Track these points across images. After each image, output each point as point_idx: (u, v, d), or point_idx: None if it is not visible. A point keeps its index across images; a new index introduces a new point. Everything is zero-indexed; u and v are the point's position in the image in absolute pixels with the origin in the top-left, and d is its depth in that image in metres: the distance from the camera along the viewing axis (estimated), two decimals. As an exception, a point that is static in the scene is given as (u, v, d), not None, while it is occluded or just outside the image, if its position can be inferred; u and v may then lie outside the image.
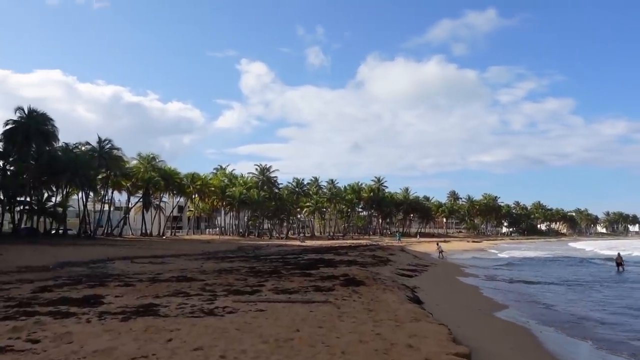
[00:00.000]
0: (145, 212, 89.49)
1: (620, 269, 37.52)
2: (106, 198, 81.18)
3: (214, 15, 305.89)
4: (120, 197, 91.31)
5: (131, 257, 34.14)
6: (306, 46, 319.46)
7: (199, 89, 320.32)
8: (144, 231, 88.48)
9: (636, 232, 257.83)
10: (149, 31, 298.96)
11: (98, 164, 72.55)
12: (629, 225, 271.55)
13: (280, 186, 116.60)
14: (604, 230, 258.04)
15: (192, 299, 12.39)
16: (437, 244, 65.35)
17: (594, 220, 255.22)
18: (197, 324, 8.86)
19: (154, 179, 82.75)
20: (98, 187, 77.75)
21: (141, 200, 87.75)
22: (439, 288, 19.57)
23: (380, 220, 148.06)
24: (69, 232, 70.86)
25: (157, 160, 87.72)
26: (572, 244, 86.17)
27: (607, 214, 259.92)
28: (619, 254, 41.32)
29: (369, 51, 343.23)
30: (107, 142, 74.17)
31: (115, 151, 75.11)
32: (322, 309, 10.53)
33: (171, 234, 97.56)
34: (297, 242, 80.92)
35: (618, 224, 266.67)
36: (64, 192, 71.98)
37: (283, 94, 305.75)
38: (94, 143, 73.50)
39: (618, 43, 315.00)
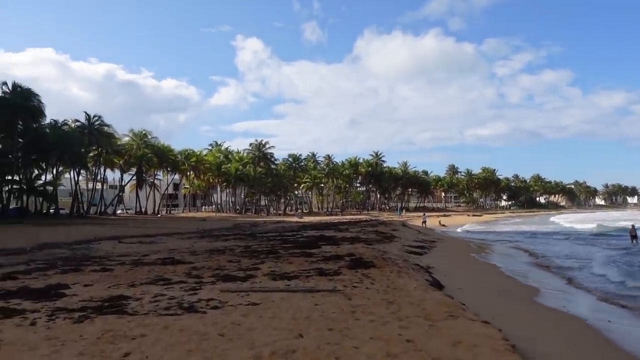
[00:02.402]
0: (139, 190, 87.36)
1: (635, 241, 35.84)
2: (99, 176, 79.03)
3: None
4: (114, 175, 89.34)
5: (120, 237, 32.11)
6: (302, 21, 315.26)
7: (194, 66, 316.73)
8: (138, 209, 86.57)
9: (635, 204, 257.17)
10: (142, 8, 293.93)
11: (88, 141, 70.17)
12: (627, 197, 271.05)
13: (277, 162, 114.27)
14: (602, 202, 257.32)
15: (173, 288, 10.37)
16: (424, 218, 65.99)
17: (593, 193, 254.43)
18: (170, 327, 6.84)
19: (147, 156, 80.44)
20: (89, 165, 75.69)
21: (134, 177, 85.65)
22: (455, 267, 17.60)
23: (379, 196, 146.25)
24: (62, 211, 68.84)
25: (150, 137, 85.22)
26: (554, 219, 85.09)
27: (606, 186, 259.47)
28: (633, 225, 39.53)
29: (366, 25, 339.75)
30: (96, 118, 71.64)
31: (105, 128, 72.72)
32: (329, 300, 8.52)
33: (167, 212, 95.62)
34: (295, 219, 79.10)
35: (617, 195, 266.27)
36: (55, 171, 69.72)
37: (279, 69, 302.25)
38: (84, 120, 70.97)
39: (614, 15, 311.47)
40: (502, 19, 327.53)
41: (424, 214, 77.75)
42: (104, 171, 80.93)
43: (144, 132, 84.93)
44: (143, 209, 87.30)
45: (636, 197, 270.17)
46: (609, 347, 7.65)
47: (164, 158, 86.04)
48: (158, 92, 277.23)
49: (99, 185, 78.61)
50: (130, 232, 37.89)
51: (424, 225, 60.03)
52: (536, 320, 9.22)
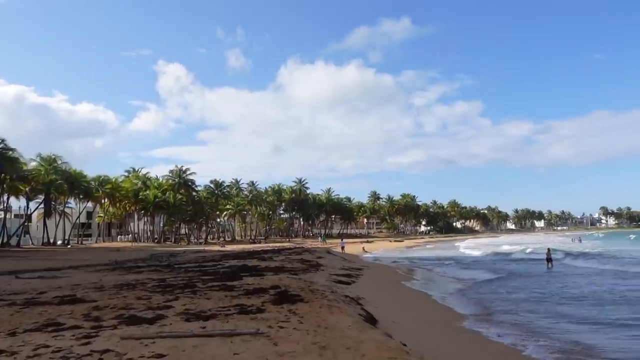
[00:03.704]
0: (47, 219, 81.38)
1: (550, 264, 36.92)
2: (2, 204, 72.93)
3: (126, 13, 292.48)
4: (19, 204, 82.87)
5: (18, 272, 28.89)
6: (226, 48, 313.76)
7: (112, 90, 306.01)
8: (46, 240, 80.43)
9: (542, 228, 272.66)
10: (57, 28, 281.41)
11: (-11, 167, 64.66)
12: (535, 221, 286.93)
13: (199, 189, 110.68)
14: (513, 227, 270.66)
15: (63, 335, 8.66)
16: (342, 243, 68.07)
17: (505, 217, 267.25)
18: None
19: (57, 182, 75.15)
20: (-10, 192, 69.84)
21: (42, 206, 79.74)
22: (386, 297, 16.75)
23: (303, 222, 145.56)
24: (-43, 243, 62.63)
25: (60, 162, 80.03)
26: (459, 244, 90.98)
27: (516, 211, 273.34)
28: (549, 249, 40.87)
29: (290, 54, 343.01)
30: (-1, 141, 66.29)
31: (9, 152, 67.34)
32: (252, 347, 7.24)
33: (78, 242, 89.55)
34: (217, 247, 76.37)
35: (526, 220, 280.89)
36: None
37: (202, 95, 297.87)
38: (-16, 143, 65.43)
39: (521, 51, 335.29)
40: (419, 52, 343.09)
41: (342, 240, 79.52)
42: (8, 199, 74.92)
43: (53, 156, 79.67)
44: (52, 240, 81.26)
45: (543, 221, 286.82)
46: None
47: (76, 184, 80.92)
48: (73, 117, 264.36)
49: (1, 214, 72.50)
50: (33, 266, 34.40)
51: (342, 250, 61.61)
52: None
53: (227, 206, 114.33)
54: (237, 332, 8.12)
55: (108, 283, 20.06)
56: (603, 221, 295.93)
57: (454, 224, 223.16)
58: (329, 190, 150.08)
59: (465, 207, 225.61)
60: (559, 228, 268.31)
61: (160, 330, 8.66)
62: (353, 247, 74.36)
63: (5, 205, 74.80)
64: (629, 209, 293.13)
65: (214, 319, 9.72)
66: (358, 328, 8.56)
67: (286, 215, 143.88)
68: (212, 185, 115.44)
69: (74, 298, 14.75)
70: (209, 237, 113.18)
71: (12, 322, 10.72)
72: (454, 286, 22.88)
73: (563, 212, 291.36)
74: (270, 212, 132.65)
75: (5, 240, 70.93)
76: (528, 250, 58.25)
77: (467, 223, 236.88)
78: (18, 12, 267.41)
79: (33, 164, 77.03)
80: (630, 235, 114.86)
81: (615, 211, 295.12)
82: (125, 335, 8.21)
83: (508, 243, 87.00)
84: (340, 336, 7.86)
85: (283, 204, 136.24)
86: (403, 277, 27.07)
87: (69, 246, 77.70)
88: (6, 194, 72.96)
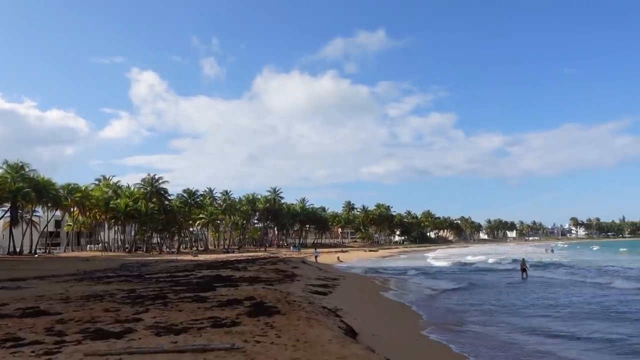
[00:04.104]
0: (14, 227, 78.88)
1: (524, 275, 37.05)
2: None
3: (100, 19, 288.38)
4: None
5: (-21, 282, 27.67)
6: (201, 56, 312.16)
7: (83, 97, 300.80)
8: (12, 249, 77.86)
9: (514, 238, 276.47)
10: (25, 32, 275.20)
11: (-48, 173, 62.44)
12: (507, 232, 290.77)
13: (171, 198, 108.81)
14: (486, 237, 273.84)
15: (22, 353, 8.03)
16: (316, 253, 68.90)
17: (478, 228, 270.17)
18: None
19: (23, 190, 72.96)
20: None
21: (8, 214, 77.31)
22: (364, 308, 16.35)
23: (277, 232, 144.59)
24: None
25: (28, 170, 77.76)
26: (428, 254, 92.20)
27: (489, 221, 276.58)
28: (523, 259, 41.09)
29: (265, 64, 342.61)
30: (-37, 147, 64.09)
31: (-26, 158, 65.23)
32: (226, 363, 6.75)
33: (46, 252, 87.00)
34: (190, 257, 75.11)
35: (498, 230, 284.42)
36: None
37: (176, 104, 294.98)
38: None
39: (493, 65, 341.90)
40: (394, 63, 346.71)
41: (315, 249, 79.92)
42: (-29, 207, 72.41)
43: (20, 164, 77.41)
44: (18, 249, 78.72)
45: (515, 231, 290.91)
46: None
47: (44, 193, 78.68)
48: (42, 123, 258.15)
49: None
50: (-4, 276, 33.09)
51: (316, 260, 62.34)
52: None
53: (200, 215, 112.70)
54: (211, 348, 7.62)
55: (75, 294, 19.23)
56: (573, 232, 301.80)
57: (428, 233, 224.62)
58: (303, 200, 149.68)
59: (439, 218, 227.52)
60: (530, 238, 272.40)
61: (128, 346, 8.09)
62: (328, 257, 73.97)
63: (-31, 213, 72.41)
64: (598, 219, 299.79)
65: (185, 333, 9.18)
66: (339, 342, 8.13)
67: (260, 225, 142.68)
68: (185, 195, 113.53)
69: (37, 310, 13.99)
70: (181, 247, 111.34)
71: (-33, 338, 10.00)
72: (429, 295, 22.65)
73: (534, 223, 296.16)
74: (244, 222, 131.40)
75: (-32, 249, 68.57)
76: (490, 261, 59.58)
77: (441, 233, 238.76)
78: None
79: (-1, 171, 74.83)
80: (593, 247, 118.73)
81: (585, 222, 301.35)
82: (89, 351, 7.63)
83: (482, 253, 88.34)
84: (321, 351, 7.41)
85: (257, 213, 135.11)
86: (380, 287, 26.75)
87: (36, 255, 75.36)
88: (-30, 202, 70.63)
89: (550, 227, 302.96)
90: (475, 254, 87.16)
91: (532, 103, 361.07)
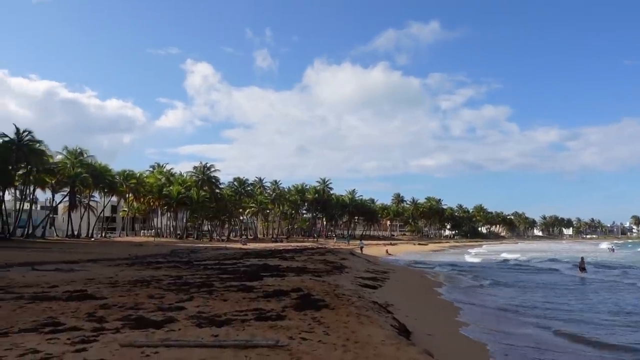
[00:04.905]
0: (73, 211, 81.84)
1: (583, 274, 35.21)
2: (28, 196, 73.44)
3: (156, 12, 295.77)
4: (46, 196, 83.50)
5: (35, 263, 28.36)
6: (254, 49, 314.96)
7: (141, 87, 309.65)
8: (70, 233, 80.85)
9: (570, 235, 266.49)
10: (87, 26, 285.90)
11: (16, 158, 64.94)
12: (563, 229, 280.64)
13: (222, 186, 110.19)
14: (540, 234, 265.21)
15: (58, 338, 7.68)
16: (361, 244, 68.26)
17: (532, 224, 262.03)
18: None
19: (81, 176, 75.36)
20: (17, 183, 70.26)
21: (67, 198, 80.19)
22: (416, 304, 15.49)
23: (325, 223, 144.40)
24: (-18, 233, 63.06)
25: (86, 156, 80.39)
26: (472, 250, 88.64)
27: (544, 217, 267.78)
28: (582, 258, 39.10)
29: (316, 55, 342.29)
30: (26, 133, 66.71)
31: (37, 144, 67.68)
32: (269, 362, 6.12)
33: (102, 236, 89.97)
34: (239, 245, 75.79)
35: (554, 227, 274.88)
36: (-24, 189, 64.13)
37: (229, 94, 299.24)
38: (13, 135, 65.75)
39: (550, 57, 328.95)
40: (447, 55, 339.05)
41: (361, 241, 78.70)
42: (34, 191, 75.40)
43: (79, 150, 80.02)
44: (76, 232, 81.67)
45: (571, 228, 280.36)
46: None
47: (101, 178, 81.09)
48: (102, 112, 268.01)
49: (27, 206, 73.00)
50: (51, 258, 33.97)
51: (361, 251, 62.46)
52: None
53: (250, 204, 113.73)
54: (254, 344, 7.01)
55: (123, 279, 19.23)
56: (634, 230, 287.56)
57: (480, 228, 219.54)
58: (352, 191, 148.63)
59: (491, 212, 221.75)
60: (587, 236, 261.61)
61: (166, 337, 7.60)
62: (376, 249, 73.03)
63: (31, 197, 75.33)
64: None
65: (228, 326, 8.63)
66: (393, 344, 7.35)
67: (309, 215, 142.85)
68: (235, 183, 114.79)
69: (84, 294, 13.88)
70: (231, 235, 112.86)
71: (11, 320, 9.83)
72: (492, 297, 21.39)
73: (592, 220, 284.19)
74: (293, 212, 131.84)
75: (30, 231, 71.38)
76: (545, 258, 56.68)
77: (493, 228, 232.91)
78: (52, 11, 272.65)
79: (59, 157, 77.55)
80: None
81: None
82: (125, 342, 7.17)
83: (535, 250, 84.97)
84: (373, 354, 6.67)
85: (306, 203, 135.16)
86: (432, 282, 25.71)
87: (92, 239, 77.96)
88: (32, 186, 73.40)
89: (609, 225, 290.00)
90: (526, 250, 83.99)
91: (591, 96, 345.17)
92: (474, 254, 74.24)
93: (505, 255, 65.67)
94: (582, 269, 36.63)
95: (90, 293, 14.16)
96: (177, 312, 10.19)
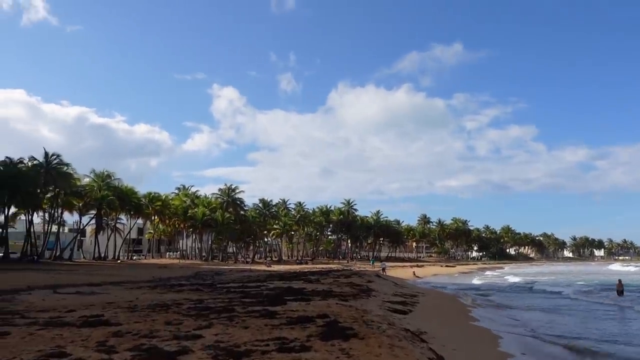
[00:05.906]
0: (100, 234, 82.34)
1: (621, 295, 33.48)
2: (56, 219, 74.21)
3: (183, 39, 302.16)
4: (73, 218, 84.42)
5: (59, 286, 28.04)
6: (278, 72, 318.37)
7: (168, 112, 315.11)
8: (97, 255, 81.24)
9: (601, 257, 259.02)
10: (116, 53, 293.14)
11: (44, 181, 65.76)
12: (594, 250, 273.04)
13: (247, 208, 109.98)
14: (570, 255, 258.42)
15: (60, 372, 6.96)
16: (383, 265, 66.69)
17: (562, 245, 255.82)
18: None
19: (108, 198, 75.87)
20: (46, 206, 71.09)
21: (94, 221, 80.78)
22: (451, 332, 14.41)
23: (350, 244, 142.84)
24: (13, 255, 63.55)
25: (113, 178, 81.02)
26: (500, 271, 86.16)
27: (574, 238, 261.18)
28: (619, 280, 37.25)
29: (340, 79, 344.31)
30: (55, 157, 67.60)
31: (64, 167, 68.52)
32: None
33: (128, 258, 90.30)
34: (264, 267, 75.00)
35: (584, 248, 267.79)
36: (7, 212, 64.85)
37: (254, 117, 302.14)
38: (42, 159, 66.62)
39: (576, 74, 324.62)
40: (470, 75, 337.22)
41: (383, 262, 77.26)
42: (61, 213, 76.11)
43: (106, 173, 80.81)
44: (103, 254, 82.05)
45: (603, 250, 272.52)
46: None
47: (127, 201, 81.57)
48: (130, 137, 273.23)
49: (55, 228, 73.70)
50: (75, 280, 33.75)
51: (384, 273, 59.96)
52: None
53: (275, 226, 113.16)
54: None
55: (143, 302, 18.59)
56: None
57: (508, 250, 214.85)
58: (377, 212, 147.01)
59: (519, 233, 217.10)
60: (620, 257, 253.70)
61: (178, 372, 6.82)
62: (402, 272, 71.48)
63: (59, 219, 76.02)
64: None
65: (247, 358, 7.81)
66: (434, 382, 6.46)
67: (334, 237, 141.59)
68: (260, 205, 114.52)
69: (99, 320, 13.23)
70: (256, 257, 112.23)
71: (17, 349, 9.20)
72: (522, 318, 20.10)
73: (625, 241, 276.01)
74: (318, 233, 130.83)
75: (58, 253, 71.88)
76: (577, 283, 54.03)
77: (522, 250, 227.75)
78: (83, 40, 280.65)
79: (87, 180, 78.36)
80: None
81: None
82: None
83: (565, 272, 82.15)
84: (413, 395, 5.80)
85: (331, 225, 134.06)
86: (466, 306, 24.44)
87: (118, 261, 78.12)
88: (60, 209, 74.13)
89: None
90: (555, 273, 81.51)
91: (619, 115, 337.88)
92: (505, 275, 72.07)
93: (533, 278, 63.51)
94: (621, 291, 34.86)
95: (106, 318, 13.50)
96: (193, 342, 9.41)
